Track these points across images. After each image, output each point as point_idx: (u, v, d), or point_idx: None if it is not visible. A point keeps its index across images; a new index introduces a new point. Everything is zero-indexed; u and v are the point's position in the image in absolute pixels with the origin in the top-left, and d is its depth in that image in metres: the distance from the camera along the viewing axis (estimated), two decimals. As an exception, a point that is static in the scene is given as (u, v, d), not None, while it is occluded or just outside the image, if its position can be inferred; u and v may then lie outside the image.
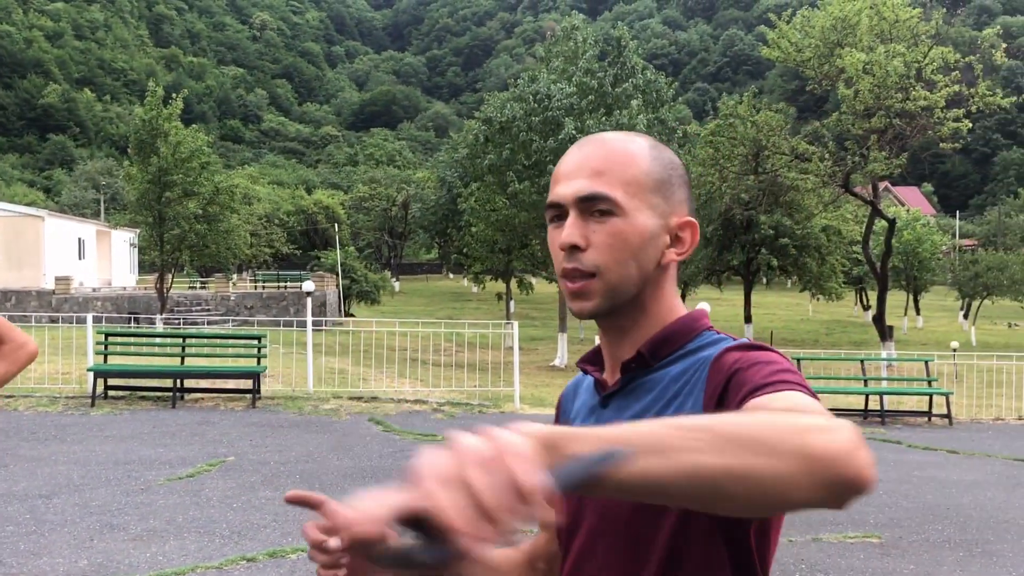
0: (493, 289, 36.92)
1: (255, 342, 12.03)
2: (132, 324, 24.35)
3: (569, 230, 1.14)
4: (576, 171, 1.16)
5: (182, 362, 11.82)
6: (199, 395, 11.97)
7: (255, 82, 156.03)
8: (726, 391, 1.04)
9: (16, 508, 6.56)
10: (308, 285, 13.56)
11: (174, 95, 22.04)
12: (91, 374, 11.44)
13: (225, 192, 22.95)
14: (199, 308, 29.49)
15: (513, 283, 34.55)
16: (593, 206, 1.13)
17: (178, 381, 11.40)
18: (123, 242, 39.19)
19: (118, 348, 11.89)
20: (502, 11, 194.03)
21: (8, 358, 2.38)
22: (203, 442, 9.13)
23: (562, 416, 1.41)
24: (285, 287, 33.03)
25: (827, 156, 21.96)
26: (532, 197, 22.49)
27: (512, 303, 35.18)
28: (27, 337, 2.44)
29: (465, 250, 34.32)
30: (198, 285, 39.10)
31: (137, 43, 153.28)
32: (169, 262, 23.60)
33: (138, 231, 27.96)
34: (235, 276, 38.13)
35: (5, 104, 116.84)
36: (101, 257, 38.92)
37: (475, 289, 44.41)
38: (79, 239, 35.97)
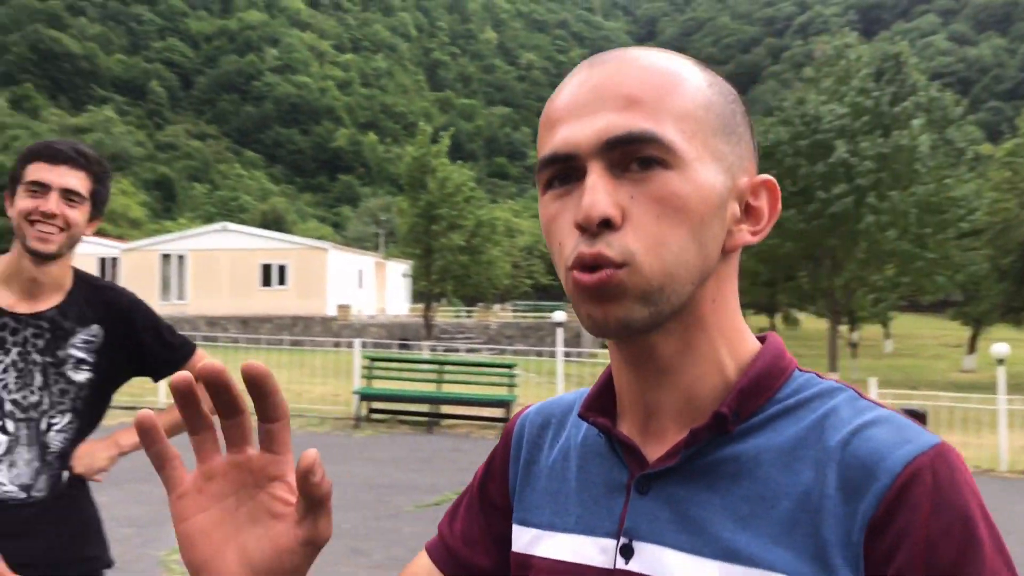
0: (756, 324, 35.41)
1: (507, 370, 12.06)
2: (401, 350, 25.72)
3: (595, 194, 0.69)
4: (595, 101, 0.72)
5: (439, 388, 12.07)
6: (454, 421, 12.17)
7: (521, 120, 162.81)
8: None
9: (276, 525, 6.78)
10: (559, 315, 13.48)
11: (441, 133, 23.22)
12: (356, 396, 11.99)
13: (487, 225, 23.73)
14: (462, 336, 30.67)
15: (778, 318, 32.90)
16: (632, 153, 0.70)
17: (435, 407, 11.66)
18: (397, 273, 41.81)
19: (382, 372, 12.37)
20: (769, 36, 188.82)
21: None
22: (453, 469, 9.16)
23: (514, 469, 0.90)
24: (543, 317, 33.64)
25: None
26: (798, 226, 21.24)
27: (776, 338, 33.47)
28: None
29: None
30: (463, 314, 40.89)
31: (415, 88, 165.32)
32: (435, 291, 24.72)
33: (411, 262, 29.72)
34: (496, 306, 39.44)
35: (303, 149, 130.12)
36: (378, 286, 41.73)
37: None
38: (358, 270, 38.77)
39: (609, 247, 0.69)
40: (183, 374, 0.57)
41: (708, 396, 0.75)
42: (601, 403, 0.82)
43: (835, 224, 20.85)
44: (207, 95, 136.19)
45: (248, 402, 0.63)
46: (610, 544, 0.75)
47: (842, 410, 0.71)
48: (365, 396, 11.93)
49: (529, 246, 56.62)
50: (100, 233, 55.44)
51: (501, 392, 11.85)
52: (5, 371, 1.93)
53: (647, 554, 0.73)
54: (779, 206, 0.78)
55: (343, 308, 32.21)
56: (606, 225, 0.69)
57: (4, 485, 1.90)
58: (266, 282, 34.05)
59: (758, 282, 28.17)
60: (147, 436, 0.62)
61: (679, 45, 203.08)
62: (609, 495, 0.78)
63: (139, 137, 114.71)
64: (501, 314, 35.51)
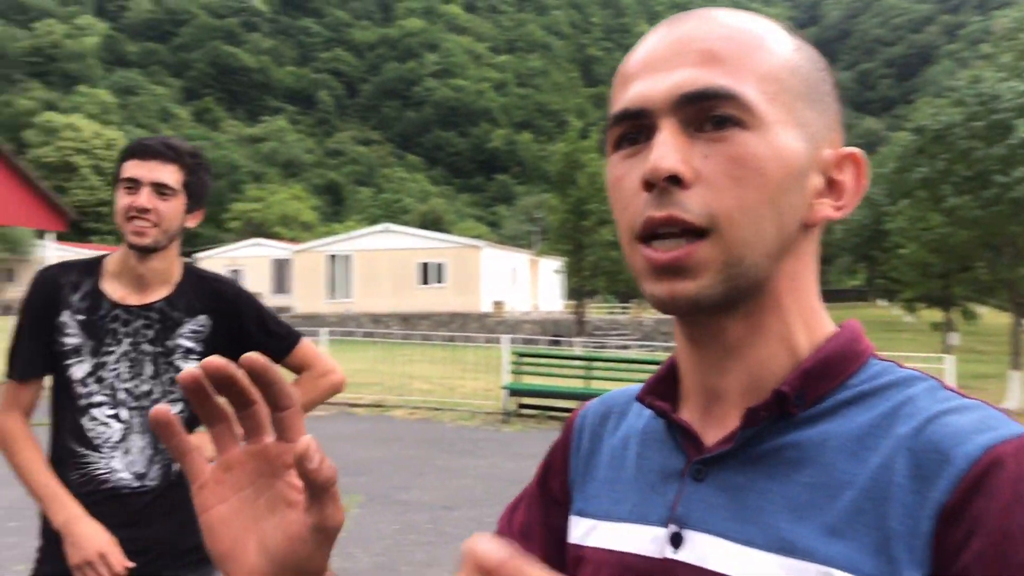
0: (928, 318, 33.29)
1: (656, 367, 11.86)
2: (552, 346, 25.82)
3: (663, 149, 0.65)
4: (673, 56, 0.68)
5: (588, 384, 12.03)
6: (602, 418, 12.11)
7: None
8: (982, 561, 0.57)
9: (422, 517, 6.94)
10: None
11: (590, 128, 23.18)
12: (505, 392, 12.13)
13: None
14: (616, 333, 30.48)
15: (955, 312, 30.84)
16: (708, 110, 0.66)
17: (583, 403, 11.63)
18: (550, 270, 42.05)
19: (531, 368, 12.45)
20: (943, 14, 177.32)
21: (307, 385, 2.26)
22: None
23: (574, 455, 0.87)
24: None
25: None
26: (974, 213, 19.80)
27: (954, 334, 31.38)
28: (333, 366, 2.31)
29: (893, 274, 31.40)
30: (618, 310, 40.62)
31: (570, 85, 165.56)
32: (586, 288, 24.69)
33: (563, 259, 29.81)
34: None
35: (461, 150, 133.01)
36: (531, 283, 42.11)
37: (908, 318, 40.46)
38: (512, 267, 39.26)
39: (684, 210, 0.65)
40: (189, 371, 0.57)
41: (776, 379, 0.70)
42: (662, 387, 0.78)
43: (1017, 210, 19.29)
44: (371, 102, 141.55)
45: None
46: (661, 533, 0.71)
47: (920, 399, 0.66)
48: (514, 391, 12.06)
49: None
50: (274, 236, 58.71)
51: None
52: (118, 361, 2.02)
53: (697, 543, 0.69)
54: (866, 182, 0.72)
55: (497, 305, 32.72)
56: (675, 182, 0.65)
57: (119, 472, 1.99)
58: (424, 280, 35.04)
59: (929, 274, 26.49)
60: (164, 430, 0.60)
61: (844, 28, 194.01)
62: (664, 482, 0.74)
63: (309, 144, 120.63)
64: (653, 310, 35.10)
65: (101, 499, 1.98)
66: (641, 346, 21.44)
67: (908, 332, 40.90)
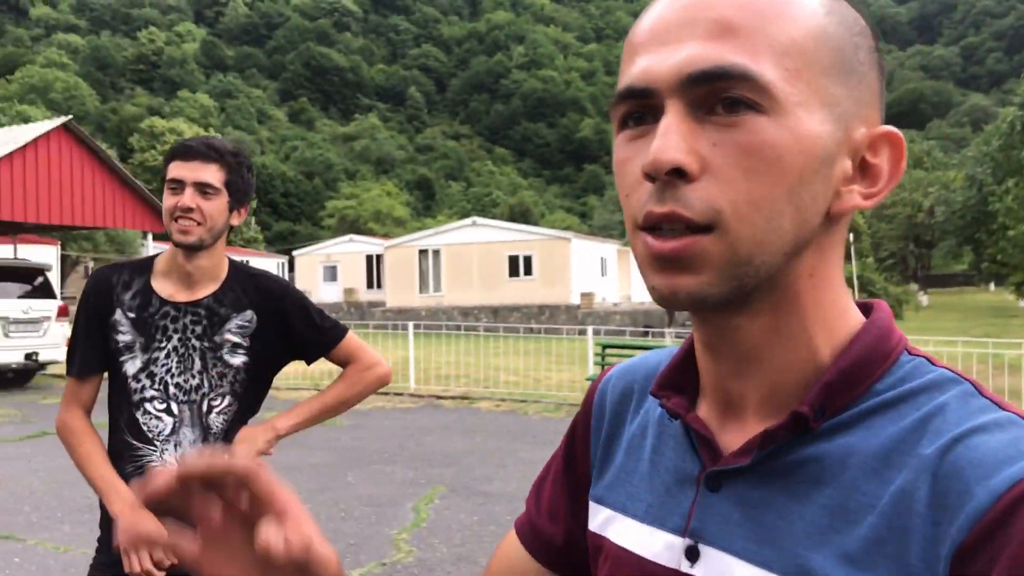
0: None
1: (744, 357, 11.64)
2: (643, 337, 25.55)
3: (666, 138, 0.59)
4: (682, 25, 0.61)
5: (673, 375, 11.88)
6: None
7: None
8: None
9: (502, 508, 6.97)
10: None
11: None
12: (589, 383, 12.05)
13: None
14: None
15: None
16: (720, 91, 0.59)
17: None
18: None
19: (616, 359, 12.35)
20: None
21: (353, 378, 2.29)
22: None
23: (595, 438, 0.83)
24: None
25: None
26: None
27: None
28: (378, 359, 2.33)
29: (1001, 257, 29.94)
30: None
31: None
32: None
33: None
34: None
35: (550, 141, 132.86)
36: (621, 274, 41.79)
37: (1022, 303, 38.53)
38: (601, 258, 39.04)
39: (686, 206, 0.59)
40: (149, 489, 0.59)
41: (796, 387, 0.65)
42: (678, 378, 0.72)
43: None
44: (460, 96, 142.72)
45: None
46: (676, 542, 0.69)
47: (952, 409, 0.60)
48: (599, 383, 11.99)
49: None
50: (368, 232, 59.86)
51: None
52: (168, 356, 2.09)
53: (713, 560, 0.66)
54: (903, 164, 0.65)
55: (586, 296, 32.60)
56: (678, 175, 0.59)
57: (171, 465, 2.06)
58: (513, 273, 35.17)
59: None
60: (152, 502, 0.60)
61: (947, 2, 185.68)
62: (679, 487, 0.70)
63: (400, 141, 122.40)
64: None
65: None
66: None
67: (1020, 318, 38.98)
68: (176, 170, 2.07)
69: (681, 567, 0.68)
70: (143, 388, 2.08)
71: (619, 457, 0.79)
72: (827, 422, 0.63)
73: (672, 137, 0.59)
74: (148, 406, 2.08)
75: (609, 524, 0.77)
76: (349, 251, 42.35)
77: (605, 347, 12.39)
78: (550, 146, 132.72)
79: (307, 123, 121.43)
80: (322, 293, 41.79)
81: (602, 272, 38.78)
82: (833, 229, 0.65)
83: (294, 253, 46.94)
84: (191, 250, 2.09)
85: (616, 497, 0.78)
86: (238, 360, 2.13)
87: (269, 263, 57.32)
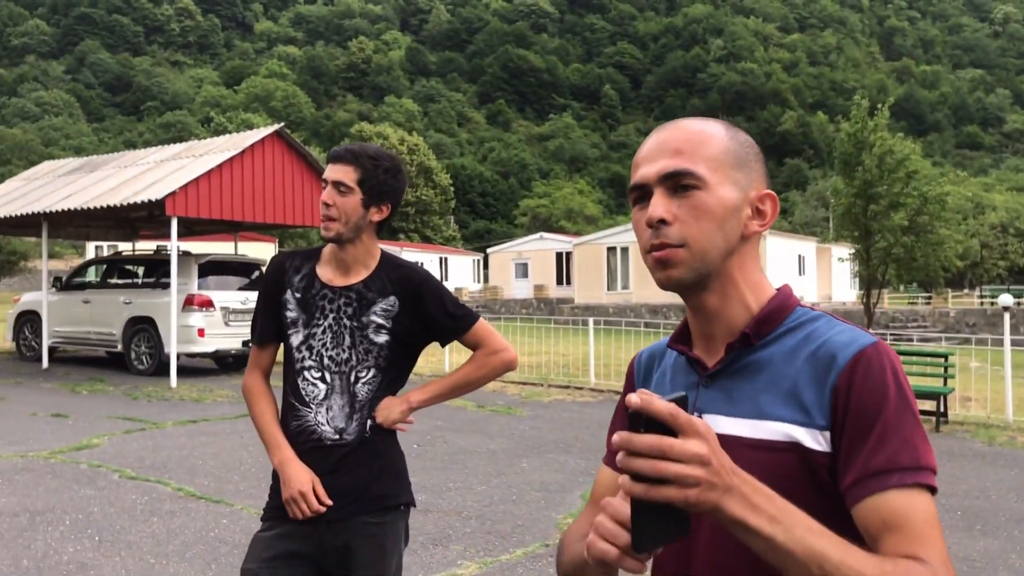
0: None
1: (940, 360, 10.97)
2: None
3: (655, 206, 1.17)
4: (657, 153, 1.20)
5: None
6: (880, 413, 11.39)
7: (995, 82, 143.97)
8: (859, 418, 1.08)
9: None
10: (1005, 299, 11.79)
11: (879, 106, 21.55)
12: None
13: (935, 202, 21.52)
14: (914, 324, 28.29)
15: None
16: (678, 181, 1.17)
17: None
18: (838, 258, 39.85)
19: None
20: None
21: (480, 361, 2.51)
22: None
23: (638, 385, 1.40)
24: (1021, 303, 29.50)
25: None
26: None
27: None
28: (505, 345, 2.54)
29: None
30: (920, 300, 37.55)
31: (868, 60, 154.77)
32: (875, 276, 23.06)
33: (852, 246, 28.09)
34: (950, 291, 35.50)
35: (750, 135, 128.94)
36: (821, 273, 40.09)
37: None
38: (799, 255, 37.61)
39: (667, 237, 1.16)
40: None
41: (740, 325, 1.22)
42: (680, 336, 1.31)
43: None
44: (655, 92, 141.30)
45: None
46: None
47: (821, 328, 1.18)
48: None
49: (1004, 223, 50.03)
50: (560, 230, 60.66)
51: (935, 384, 10.85)
52: (324, 332, 2.39)
53: (709, 419, 1.18)
54: (778, 208, 1.23)
55: (782, 295, 31.48)
56: (663, 222, 1.16)
57: (324, 426, 2.36)
58: (705, 270, 34.57)
59: None
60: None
61: None
62: (688, 391, 1.14)
63: (594, 139, 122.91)
64: (963, 299, 31.94)
65: (310, 448, 2.37)
66: (947, 339, 18.91)
67: None
68: (327, 172, 2.42)
69: None
70: (304, 359, 2.40)
71: (652, 390, 1.27)
72: (759, 341, 1.20)
73: (659, 205, 1.17)
74: (307, 374, 2.39)
75: None
76: (539, 248, 43.14)
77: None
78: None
79: (504, 124, 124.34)
80: (513, 289, 42.84)
81: (800, 270, 37.38)
82: (746, 243, 1.22)
83: (488, 251, 48.32)
84: (334, 242, 2.42)
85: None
86: (382, 339, 2.40)
87: (464, 260, 59.29)
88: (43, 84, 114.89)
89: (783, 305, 1.21)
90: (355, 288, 2.42)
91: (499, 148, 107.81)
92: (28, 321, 16.72)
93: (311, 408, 2.38)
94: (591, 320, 14.51)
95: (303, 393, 2.39)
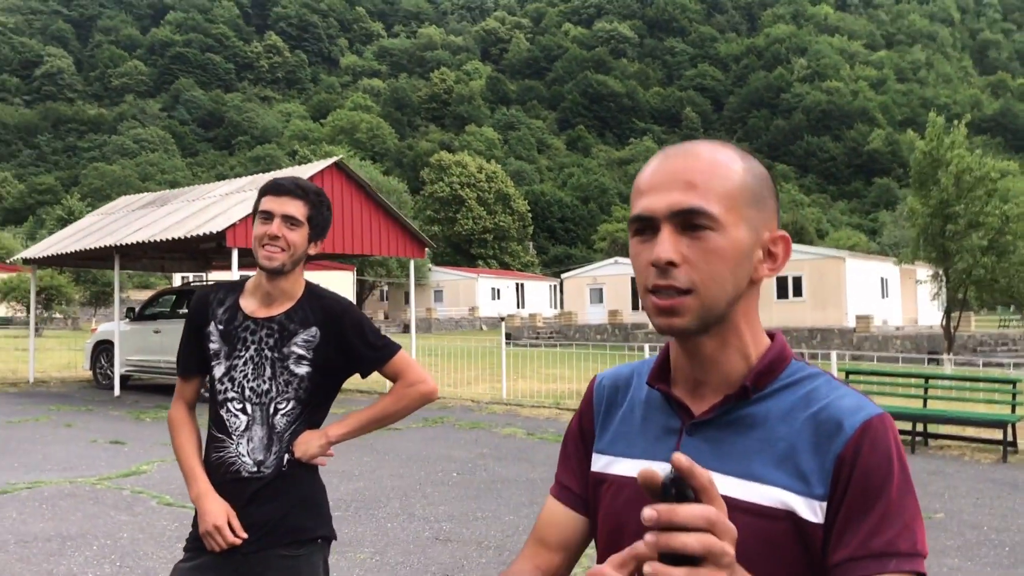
0: None
1: (1009, 387, 10.47)
2: (928, 365, 23.58)
3: (664, 245, 1.05)
4: (667, 183, 1.07)
5: (924, 404, 10.95)
6: (946, 441, 10.93)
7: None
8: (862, 493, 1.02)
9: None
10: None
11: (955, 122, 20.79)
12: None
13: (1017, 220, 20.59)
14: (1004, 348, 27.06)
15: None
16: (689, 220, 1.05)
17: (919, 424, 10.61)
18: (916, 280, 38.49)
19: (861, 387, 11.62)
20: None
21: (398, 392, 2.52)
22: (921, 494, 8.27)
23: (597, 415, 1.28)
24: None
25: None
26: None
27: None
28: (424, 376, 2.53)
29: None
30: (1013, 323, 35.93)
31: (960, 75, 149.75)
32: (956, 299, 22.16)
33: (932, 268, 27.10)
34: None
35: (836, 155, 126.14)
36: (905, 295, 38.75)
37: None
38: (881, 278, 36.45)
39: (676, 280, 1.05)
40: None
41: (737, 374, 1.12)
42: (660, 373, 1.20)
43: None
44: (737, 114, 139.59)
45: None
46: (666, 466, 0.89)
47: (821, 388, 1.10)
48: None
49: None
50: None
51: (1003, 412, 10.36)
52: (245, 364, 2.42)
53: None
54: (790, 251, 1.13)
55: (863, 319, 30.54)
56: (671, 264, 1.04)
57: (244, 457, 2.39)
58: (781, 294, 33.83)
59: None
60: None
61: None
62: (667, 435, 1.15)
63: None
64: (1060, 322, 30.42)
65: (229, 480, 2.40)
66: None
67: None
68: (268, 204, 2.41)
69: None
70: (226, 390, 2.44)
71: (615, 425, 1.23)
72: (756, 395, 1.10)
73: (667, 245, 1.04)
74: (229, 405, 2.43)
75: (611, 465, 1.21)
76: (614, 274, 42.85)
77: (848, 372, 11.70)
78: (836, 160, 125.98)
79: (583, 150, 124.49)
80: (588, 315, 42.60)
81: (883, 293, 36.21)
82: (753, 288, 1.12)
83: (563, 276, 48.27)
84: (274, 274, 2.43)
85: (615, 448, 1.21)
86: (303, 370, 2.43)
87: (541, 286, 59.30)
88: (140, 122, 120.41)
89: (780, 356, 1.13)
90: (277, 319, 2.45)
91: (579, 173, 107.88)
92: (104, 350, 17.41)
93: (232, 439, 2.41)
94: (647, 346, 14.34)
95: (226, 424, 2.42)
